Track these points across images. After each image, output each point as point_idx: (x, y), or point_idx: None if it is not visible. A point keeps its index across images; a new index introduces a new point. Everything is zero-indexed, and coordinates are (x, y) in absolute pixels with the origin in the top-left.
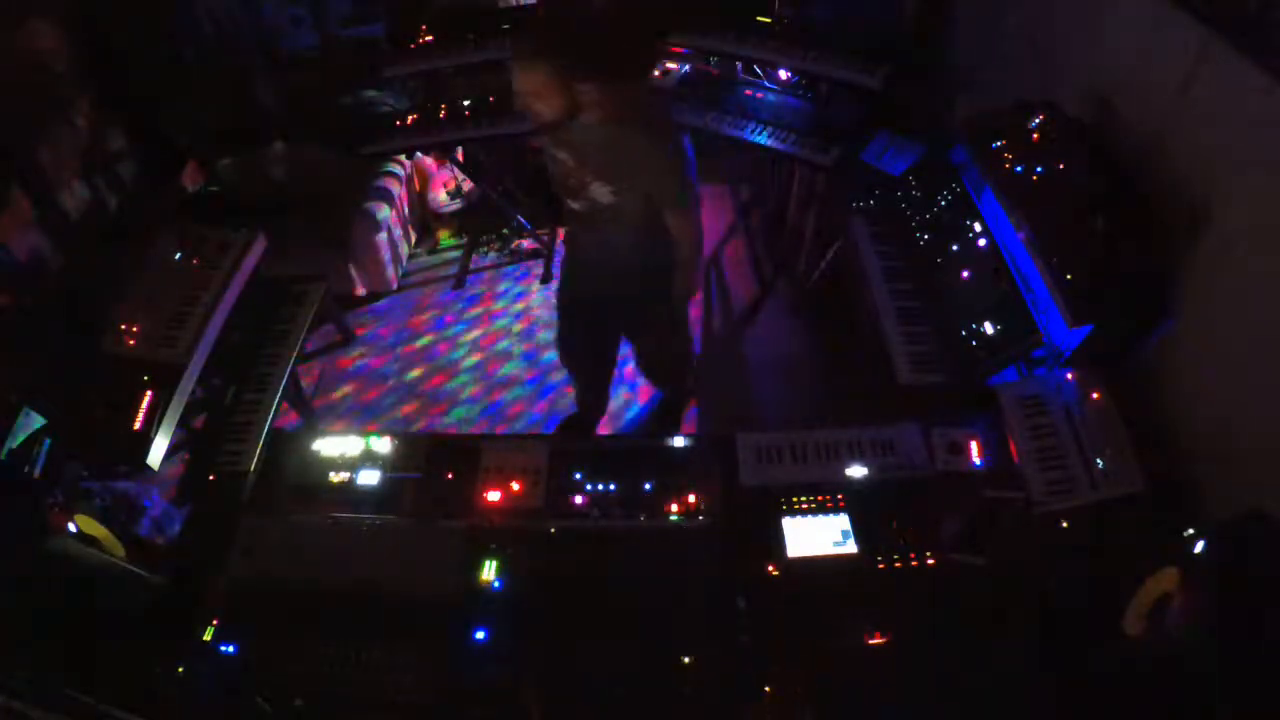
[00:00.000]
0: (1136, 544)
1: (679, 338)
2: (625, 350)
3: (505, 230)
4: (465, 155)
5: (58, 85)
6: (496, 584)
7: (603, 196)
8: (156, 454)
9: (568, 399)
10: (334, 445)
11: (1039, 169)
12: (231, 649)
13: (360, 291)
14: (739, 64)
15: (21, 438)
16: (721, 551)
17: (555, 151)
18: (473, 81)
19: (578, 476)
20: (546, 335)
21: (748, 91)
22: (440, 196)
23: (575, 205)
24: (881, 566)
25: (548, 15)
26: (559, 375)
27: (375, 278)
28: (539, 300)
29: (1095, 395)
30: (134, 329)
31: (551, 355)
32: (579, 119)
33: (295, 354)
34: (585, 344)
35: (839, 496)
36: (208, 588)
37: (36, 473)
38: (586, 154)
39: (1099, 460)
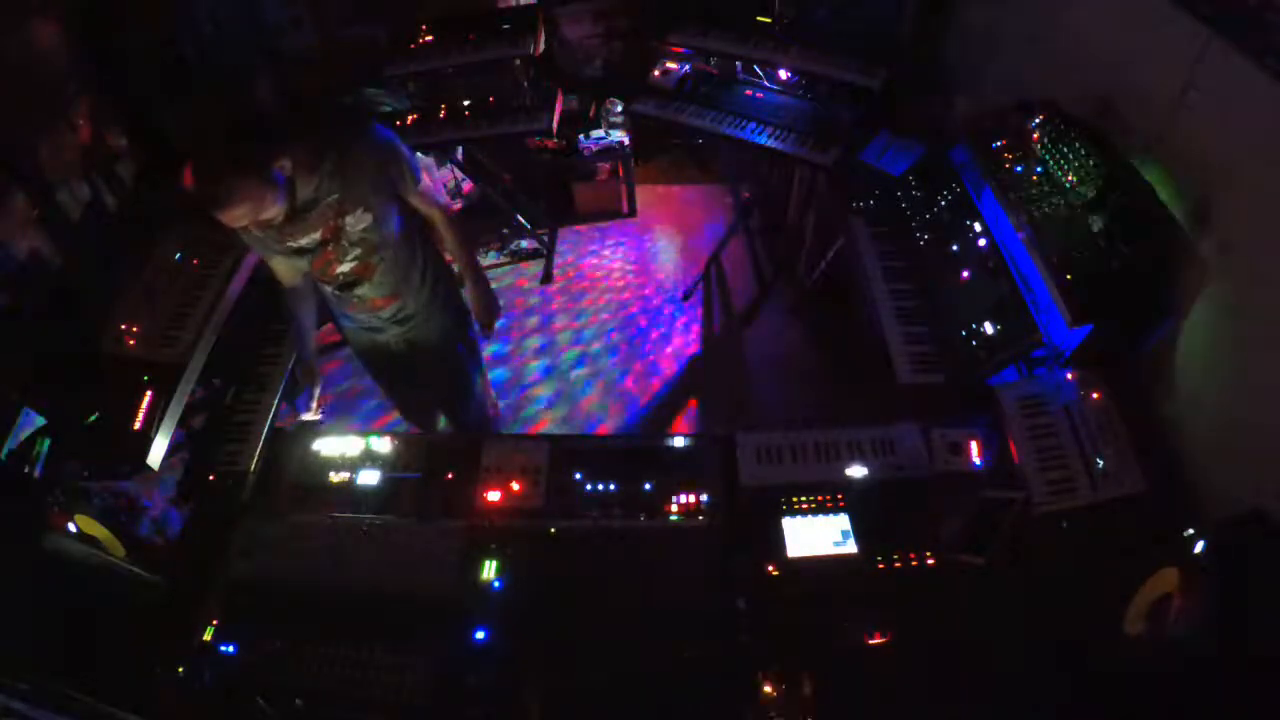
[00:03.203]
0: (1136, 544)
1: None
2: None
3: (505, 230)
4: (465, 155)
5: (58, 85)
6: (496, 584)
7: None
8: (156, 454)
9: (566, 399)
10: (334, 445)
11: (1039, 169)
12: (231, 649)
13: None
14: (739, 64)
15: (22, 437)
16: (721, 551)
17: None
18: (473, 81)
19: (578, 476)
20: (546, 336)
21: (748, 91)
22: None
23: None
24: (881, 566)
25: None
26: (559, 376)
27: None
28: (537, 301)
29: (1095, 395)
30: (134, 329)
31: (551, 357)
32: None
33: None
34: None
35: (839, 496)
36: (208, 588)
37: (36, 473)
38: None
39: (1099, 460)
